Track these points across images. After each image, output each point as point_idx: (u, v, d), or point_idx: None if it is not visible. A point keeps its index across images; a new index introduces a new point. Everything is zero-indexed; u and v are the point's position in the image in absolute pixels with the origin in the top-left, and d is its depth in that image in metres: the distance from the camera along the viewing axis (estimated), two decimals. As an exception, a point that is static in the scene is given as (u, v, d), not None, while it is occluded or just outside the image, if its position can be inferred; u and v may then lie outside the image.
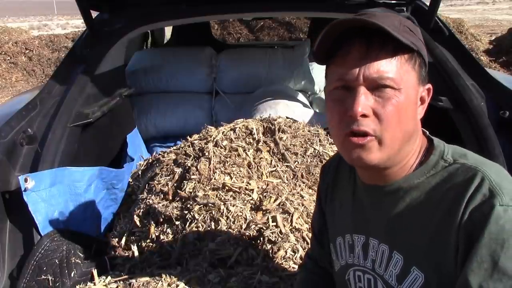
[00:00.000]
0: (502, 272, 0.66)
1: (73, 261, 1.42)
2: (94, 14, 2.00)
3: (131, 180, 1.99)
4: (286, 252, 1.40)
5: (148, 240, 1.54)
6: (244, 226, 1.47)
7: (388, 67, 0.72)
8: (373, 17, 0.73)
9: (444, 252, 0.71)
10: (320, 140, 1.90)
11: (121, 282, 1.32)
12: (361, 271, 0.88)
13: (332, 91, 0.77)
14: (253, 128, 1.88)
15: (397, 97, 0.72)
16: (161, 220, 1.56)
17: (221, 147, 1.75)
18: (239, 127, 1.89)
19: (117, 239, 1.61)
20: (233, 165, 1.68)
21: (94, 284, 1.34)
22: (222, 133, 1.85)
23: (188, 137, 1.93)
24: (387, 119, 0.72)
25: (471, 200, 0.69)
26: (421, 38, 0.78)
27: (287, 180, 1.71)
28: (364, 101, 0.72)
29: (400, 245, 0.79)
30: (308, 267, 1.12)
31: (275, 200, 1.55)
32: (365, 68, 0.72)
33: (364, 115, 0.72)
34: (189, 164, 1.69)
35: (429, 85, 0.80)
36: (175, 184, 1.66)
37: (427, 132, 0.84)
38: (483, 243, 0.66)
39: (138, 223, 1.60)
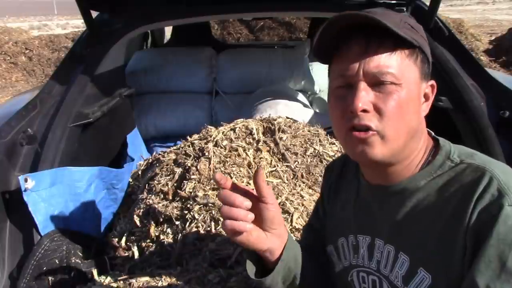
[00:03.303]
0: (510, 273, 0.65)
1: (73, 261, 1.42)
2: (94, 14, 2.00)
3: (131, 180, 1.99)
4: (286, 252, 1.40)
5: (148, 240, 1.54)
6: (244, 226, 1.46)
7: (388, 62, 0.72)
8: (373, 14, 0.72)
9: (452, 252, 0.70)
10: (320, 140, 1.90)
11: (121, 282, 1.32)
12: (365, 272, 0.87)
13: (335, 89, 0.77)
14: (253, 128, 1.88)
15: (398, 92, 0.72)
16: (161, 220, 1.56)
17: (221, 147, 1.75)
18: (239, 127, 1.89)
19: (117, 239, 1.61)
20: (233, 165, 1.68)
21: (94, 284, 1.34)
22: (222, 133, 1.85)
23: (188, 137, 1.93)
24: (389, 114, 0.72)
25: (480, 200, 0.68)
26: (424, 36, 0.78)
27: (287, 180, 1.71)
28: (365, 96, 0.72)
29: (406, 246, 0.78)
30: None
31: (275, 200, 1.55)
32: (365, 63, 0.72)
33: (364, 111, 0.72)
34: (189, 164, 1.69)
35: (432, 82, 0.80)
36: (175, 184, 1.66)
37: (433, 133, 0.84)
38: (491, 243, 0.66)
39: (138, 223, 1.60)
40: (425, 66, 0.77)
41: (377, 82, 0.72)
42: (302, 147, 1.85)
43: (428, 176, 0.77)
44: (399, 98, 0.72)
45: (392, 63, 0.72)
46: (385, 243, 0.82)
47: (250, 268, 0.85)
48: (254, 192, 0.80)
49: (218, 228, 1.46)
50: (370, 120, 0.72)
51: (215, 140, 1.79)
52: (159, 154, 1.97)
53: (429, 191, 0.76)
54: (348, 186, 0.94)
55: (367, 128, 0.72)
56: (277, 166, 1.75)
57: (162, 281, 1.28)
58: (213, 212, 1.50)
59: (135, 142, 2.34)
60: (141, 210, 1.62)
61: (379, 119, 0.72)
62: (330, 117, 0.80)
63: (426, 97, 0.79)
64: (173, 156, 1.84)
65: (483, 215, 0.67)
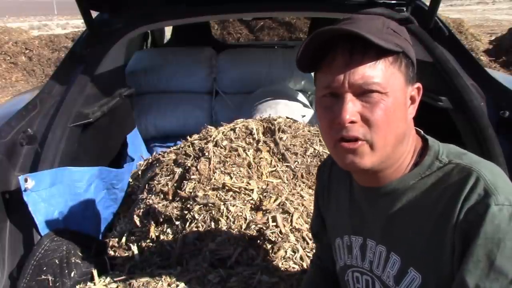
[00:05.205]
0: (498, 272, 0.66)
1: (73, 261, 1.42)
2: (94, 14, 2.00)
3: (131, 180, 1.99)
4: (286, 252, 1.40)
5: (148, 240, 1.54)
6: (244, 226, 1.47)
7: (373, 72, 0.72)
8: (356, 22, 0.73)
9: (441, 252, 0.71)
10: (320, 140, 1.90)
11: (121, 282, 1.32)
12: (359, 272, 0.88)
13: (321, 98, 0.77)
14: (253, 128, 1.88)
15: (384, 101, 0.72)
16: (161, 220, 1.56)
17: (221, 147, 1.76)
18: (239, 127, 1.89)
19: (117, 239, 1.61)
20: (233, 165, 1.68)
21: (94, 284, 1.34)
22: (222, 133, 1.85)
23: (188, 137, 1.93)
24: (377, 124, 0.72)
25: (467, 200, 0.69)
26: (408, 38, 0.78)
27: (287, 180, 1.71)
28: (351, 107, 0.72)
29: (397, 246, 0.79)
30: (313, 266, 1.14)
31: (275, 200, 1.55)
32: (350, 74, 0.72)
33: (352, 122, 0.72)
34: (189, 164, 1.69)
35: (418, 84, 0.80)
36: (175, 184, 1.66)
37: (422, 132, 0.84)
38: (479, 243, 0.66)
39: (138, 223, 1.60)
40: (410, 71, 0.77)
41: (363, 92, 0.72)
42: (302, 147, 1.85)
43: (417, 176, 0.78)
44: (385, 107, 0.72)
45: (377, 73, 0.72)
46: (377, 243, 0.83)
47: None
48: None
49: (218, 228, 1.46)
50: (357, 130, 0.73)
51: (215, 140, 1.79)
52: (159, 154, 1.97)
53: (418, 191, 0.77)
54: (341, 186, 0.94)
55: (355, 139, 0.73)
56: (277, 166, 1.75)
57: (162, 281, 1.28)
58: (213, 212, 1.50)
59: (135, 142, 2.34)
60: (141, 210, 1.62)
61: (367, 128, 0.73)
62: (318, 126, 0.81)
63: (412, 99, 0.79)
64: (173, 156, 1.84)
65: (470, 215, 0.68)
